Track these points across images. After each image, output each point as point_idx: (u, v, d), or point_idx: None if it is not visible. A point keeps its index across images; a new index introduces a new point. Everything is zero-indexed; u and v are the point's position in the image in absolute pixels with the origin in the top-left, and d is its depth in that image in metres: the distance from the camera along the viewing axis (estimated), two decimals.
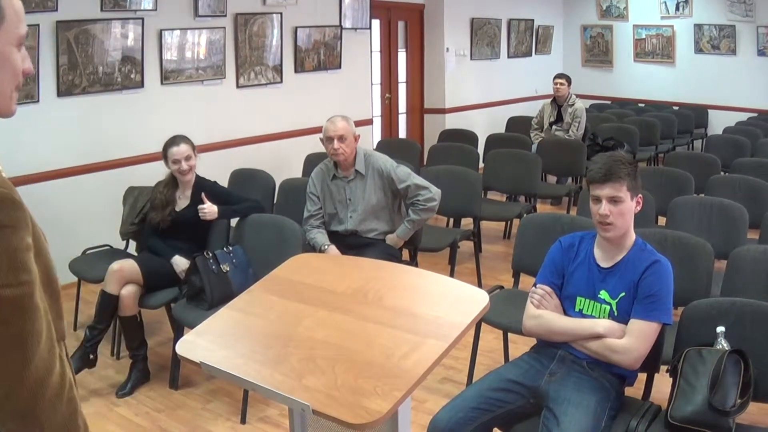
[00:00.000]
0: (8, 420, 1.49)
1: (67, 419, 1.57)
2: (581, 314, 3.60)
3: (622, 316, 3.46)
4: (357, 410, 1.87)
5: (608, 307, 3.52)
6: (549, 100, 10.36)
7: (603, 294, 3.55)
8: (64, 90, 6.72)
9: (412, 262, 6.09)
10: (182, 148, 5.39)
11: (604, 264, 3.62)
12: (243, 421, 4.71)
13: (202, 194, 5.41)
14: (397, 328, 2.13)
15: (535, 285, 3.75)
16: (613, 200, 3.51)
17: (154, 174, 5.91)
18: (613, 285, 3.54)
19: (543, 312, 3.64)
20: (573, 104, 10.02)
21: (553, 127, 10.11)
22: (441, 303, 2.27)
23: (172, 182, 5.54)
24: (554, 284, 3.70)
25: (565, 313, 3.67)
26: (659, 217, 6.17)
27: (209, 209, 5.38)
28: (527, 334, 3.73)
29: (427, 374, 1.97)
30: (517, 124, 11.40)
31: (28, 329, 1.48)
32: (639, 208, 3.63)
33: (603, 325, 3.47)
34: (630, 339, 3.39)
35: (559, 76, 10.12)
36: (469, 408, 3.38)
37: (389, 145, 9.44)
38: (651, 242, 4.71)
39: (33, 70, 1.69)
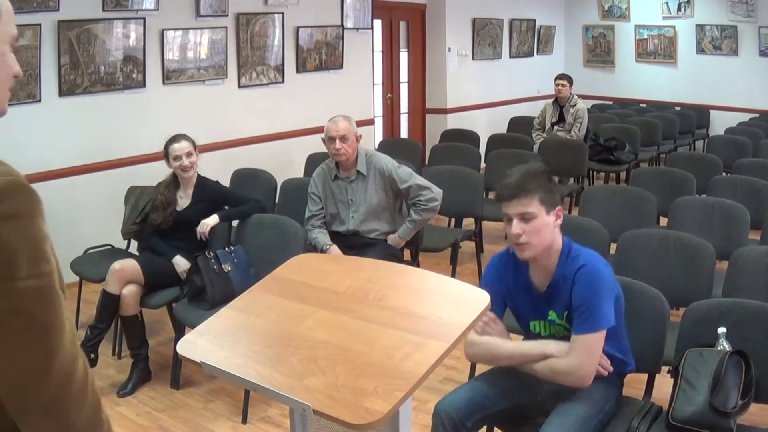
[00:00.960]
0: (34, 414, 1.46)
1: (91, 412, 1.54)
2: (539, 336, 3.50)
3: None
4: (358, 410, 1.87)
5: (561, 328, 3.40)
6: (551, 101, 10.36)
7: (552, 315, 3.42)
8: (66, 90, 6.73)
9: (414, 262, 6.09)
10: (183, 145, 5.40)
11: (540, 286, 3.44)
12: (244, 421, 4.72)
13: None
14: (398, 328, 2.13)
15: None
16: (524, 217, 3.26)
17: (155, 174, 5.92)
18: (556, 305, 3.39)
19: (483, 339, 3.41)
20: (575, 104, 10.02)
21: (555, 127, 10.11)
22: (442, 303, 2.27)
23: (173, 182, 5.55)
24: (496, 311, 3.48)
25: (525, 336, 3.61)
26: (661, 218, 6.17)
27: (207, 223, 5.40)
28: (471, 361, 3.62)
29: (428, 375, 1.97)
30: (519, 124, 11.40)
31: (51, 321, 1.45)
32: (560, 221, 3.37)
33: (549, 345, 3.31)
34: (572, 358, 3.22)
35: (561, 77, 10.12)
36: (473, 400, 3.38)
37: (391, 145, 9.45)
38: (652, 243, 4.75)
39: (21, 74, 1.66)
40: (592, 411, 3.25)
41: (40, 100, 6.55)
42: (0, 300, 1.39)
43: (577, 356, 3.20)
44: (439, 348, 2.02)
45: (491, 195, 8.30)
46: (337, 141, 5.46)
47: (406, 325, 2.13)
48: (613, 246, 5.03)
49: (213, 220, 5.41)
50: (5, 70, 1.62)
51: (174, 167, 5.46)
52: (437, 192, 5.61)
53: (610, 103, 14.08)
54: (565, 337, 3.35)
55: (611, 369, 3.35)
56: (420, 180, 5.63)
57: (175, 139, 5.44)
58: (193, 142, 5.48)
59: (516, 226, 3.26)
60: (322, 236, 5.56)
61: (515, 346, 3.40)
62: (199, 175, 5.56)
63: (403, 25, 11.74)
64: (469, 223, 7.57)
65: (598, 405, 3.30)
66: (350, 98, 9.76)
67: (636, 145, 10.29)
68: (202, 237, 5.37)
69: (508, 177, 3.34)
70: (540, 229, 3.27)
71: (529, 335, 3.57)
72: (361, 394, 1.91)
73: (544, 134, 10.13)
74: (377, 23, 10.89)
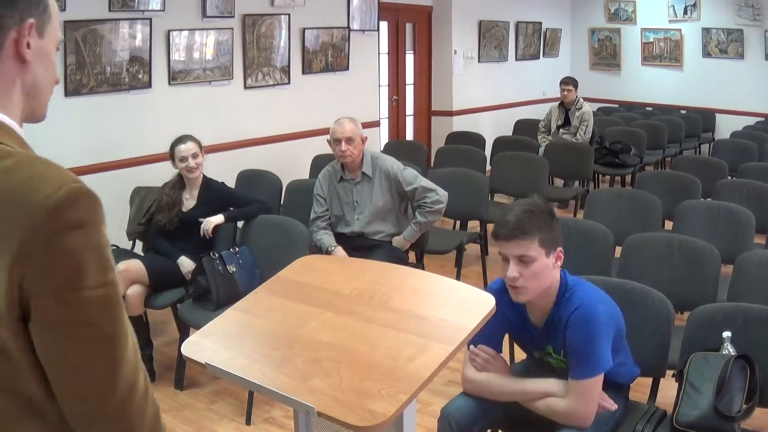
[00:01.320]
0: (98, 425, 1.45)
1: (153, 422, 1.53)
2: (541, 362, 3.44)
3: None
4: (362, 413, 1.87)
5: (560, 361, 3.32)
6: (556, 104, 10.36)
7: (549, 349, 3.34)
8: (72, 90, 6.73)
9: (419, 264, 6.10)
10: (189, 146, 5.41)
11: (537, 323, 3.34)
12: (248, 422, 4.72)
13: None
14: (403, 330, 2.13)
15: (472, 344, 3.35)
16: (522, 260, 3.11)
17: (161, 174, 5.93)
18: (552, 341, 3.31)
19: (481, 376, 3.32)
20: (581, 108, 10.02)
21: (561, 130, 10.10)
22: (447, 306, 2.27)
23: (178, 183, 5.56)
24: (496, 346, 3.42)
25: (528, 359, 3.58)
26: (666, 221, 6.16)
27: (211, 221, 5.39)
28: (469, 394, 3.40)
29: (432, 377, 1.97)
30: (525, 126, 11.41)
31: (117, 331, 1.44)
32: (560, 263, 3.23)
33: (550, 384, 3.21)
34: (571, 401, 3.12)
35: (566, 81, 10.10)
36: (480, 404, 3.35)
37: (396, 147, 9.46)
38: (657, 246, 4.74)
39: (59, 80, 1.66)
40: (603, 418, 3.24)
41: None
42: (68, 310, 1.37)
43: (575, 400, 3.13)
44: (443, 351, 2.02)
45: (496, 197, 8.31)
46: (343, 143, 5.46)
47: (411, 328, 2.13)
48: (618, 249, 5.02)
49: (218, 218, 5.41)
50: (53, 75, 1.62)
51: (180, 168, 5.47)
52: (443, 194, 5.61)
53: (616, 106, 14.07)
54: (565, 371, 3.28)
55: (615, 406, 3.27)
56: (425, 182, 5.63)
57: (181, 140, 5.45)
58: (198, 143, 5.49)
59: (513, 269, 3.12)
60: (327, 237, 5.56)
61: (515, 383, 3.29)
62: (204, 176, 5.57)
63: (409, 27, 11.73)
64: (474, 225, 7.58)
65: (608, 414, 3.29)
66: (356, 100, 9.75)
67: (641, 148, 10.27)
68: (205, 235, 5.37)
69: (507, 213, 3.19)
70: (538, 273, 3.13)
71: (534, 360, 3.54)
72: (366, 396, 1.91)
73: (549, 137, 10.13)
74: (383, 25, 10.88)
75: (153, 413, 1.54)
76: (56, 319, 1.38)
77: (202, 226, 5.37)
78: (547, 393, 3.19)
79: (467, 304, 2.24)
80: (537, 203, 3.24)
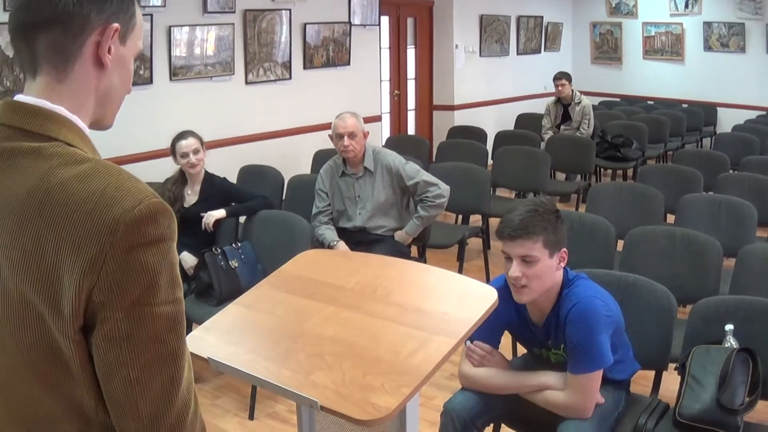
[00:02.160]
0: None
1: None
2: (542, 358, 3.44)
3: None
4: (365, 406, 1.87)
5: (560, 356, 3.32)
6: (552, 100, 10.34)
7: (550, 344, 3.34)
8: None
9: (421, 258, 6.11)
10: (190, 141, 5.41)
11: (536, 320, 3.34)
12: (251, 416, 4.73)
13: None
14: (406, 324, 2.13)
15: (470, 340, 3.33)
16: (526, 260, 3.09)
17: (162, 170, 5.92)
18: (552, 338, 3.31)
19: (477, 371, 3.32)
20: (580, 102, 10.00)
21: (562, 127, 10.09)
22: (449, 299, 2.27)
23: (180, 179, 5.56)
24: (494, 341, 3.41)
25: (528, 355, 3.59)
26: (668, 215, 6.16)
27: (212, 215, 5.39)
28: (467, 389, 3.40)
29: (435, 371, 1.97)
30: (527, 121, 11.41)
31: (180, 348, 1.44)
32: (563, 264, 3.23)
33: (548, 376, 3.22)
34: (569, 395, 3.14)
35: (559, 76, 10.04)
36: (483, 399, 3.35)
37: (398, 141, 9.45)
38: (660, 240, 4.75)
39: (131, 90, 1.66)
40: (606, 413, 3.24)
41: None
42: (136, 325, 1.37)
43: (574, 394, 3.13)
44: (446, 344, 2.03)
45: (498, 191, 8.31)
46: (345, 138, 5.46)
47: (414, 322, 2.14)
48: (620, 243, 5.03)
49: (219, 212, 5.41)
50: (127, 85, 1.60)
51: (181, 164, 5.47)
52: (444, 188, 5.61)
53: (618, 100, 14.08)
54: (565, 365, 3.29)
55: (602, 400, 3.23)
56: (427, 176, 5.63)
57: (182, 135, 5.45)
58: (200, 139, 5.49)
59: (516, 269, 3.11)
60: (329, 232, 5.56)
61: (511, 377, 3.29)
62: (206, 172, 5.57)
63: (410, 21, 11.72)
64: (476, 219, 7.57)
65: (611, 408, 3.29)
66: (357, 95, 9.75)
67: (643, 142, 10.27)
68: (207, 228, 5.37)
69: (512, 212, 3.16)
70: (541, 273, 3.12)
71: (534, 356, 3.54)
72: (369, 390, 1.92)
73: (551, 132, 10.10)
74: (384, 20, 10.87)
75: (201, 429, 1.54)
76: (123, 334, 1.37)
77: (204, 219, 5.37)
78: (544, 386, 3.20)
79: (469, 298, 2.24)
80: (542, 203, 3.23)
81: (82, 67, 1.48)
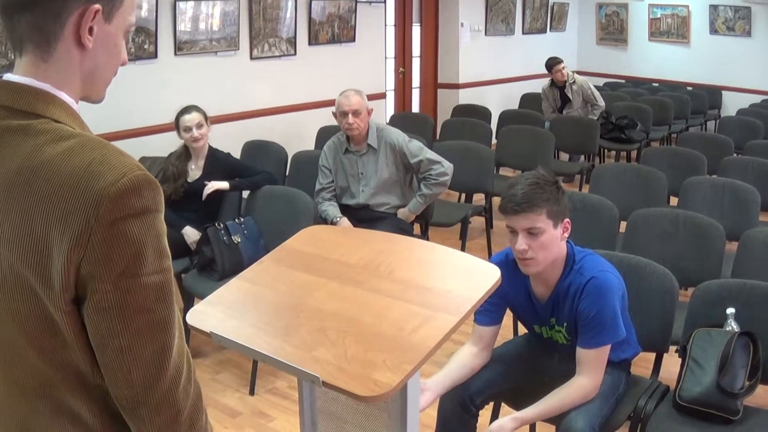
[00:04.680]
0: (145, 408, 1.48)
1: (195, 402, 1.56)
2: (542, 337, 3.47)
3: (575, 340, 3.25)
4: (367, 383, 1.87)
5: (562, 335, 3.35)
6: (547, 84, 10.32)
7: (553, 321, 3.35)
8: None
9: (423, 236, 6.11)
10: (194, 115, 5.41)
11: (542, 297, 3.34)
12: (252, 392, 4.75)
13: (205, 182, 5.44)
14: (408, 301, 2.13)
15: (474, 318, 3.40)
16: (531, 232, 3.11)
17: (166, 145, 5.93)
18: (557, 314, 3.31)
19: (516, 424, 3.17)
20: (574, 81, 10.00)
21: (564, 111, 10.08)
22: (452, 277, 2.27)
23: (184, 153, 5.56)
24: (496, 319, 3.43)
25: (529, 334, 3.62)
26: (671, 197, 6.16)
27: (213, 185, 5.40)
28: None
29: (437, 348, 1.97)
30: (531, 100, 11.39)
31: (169, 317, 1.48)
32: (567, 234, 3.24)
33: (563, 398, 3.16)
34: (582, 377, 3.15)
35: (558, 61, 10.00)
36: (482, 377, 3.38)
37: (402, 119, 9.45)
38: (663, 222, 4.74)
39: (127, 61, 1.66)
40: (606, 394, 3.24)
41: None
42: (125, 295, 1.41)
43: (587, 372, 3.15)
44: (449, 322, 2.02)
45: (502, 170, 8.31)
46: (350, 116, 5.45)
47: (417, 298, 2.13)
48: (623, 224, 5.03)
49: (222, 184, 5.42)
50: (117, 60, 1.61)
51: (184, 138, 5.47)
52: (448, 166, 5.60)
53: (623, 81, 14.04)
54: (565, 346, 3.34)
55: None
56: (431, 154, 5.63)
57: (186, 110, 5.45)
58: (204, 114, 5.49)
59: (522, 242, 3.12)
60: (332, 209, 5.56)
61: (541, 410, 3.19)
62: (210, 147, 5.57)
63: None
64: (479, 198, 7.58)
65: (612, 389, 3.29)
66: (362, 72, 9.72)
67: (647, 124, 10.26)
68: (206, 198, 5.38)
69: (514, 187, 3.16)
70: (547, 244, 3.13)
71: (534, 334, 3.56)
72: (371, 366, 1.92)
73: (554, 116, 10.08)
74: None
75: (196, 394, 1.57)
76: (112, 304, 1.41)
77: (205, 190, 5.38)
78: (578, 402, 3.15)
79: (473, 276, 2.23)
80: (542, 175, 3.22)
81: (64, 46, 1.49)
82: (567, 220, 3.22)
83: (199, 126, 5.42)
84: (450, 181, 5.67)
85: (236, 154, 6.44)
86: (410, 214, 5.64)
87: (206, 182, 5.41)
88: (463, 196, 7.89)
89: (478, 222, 7.67)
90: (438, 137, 9.16)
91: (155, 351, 1.46)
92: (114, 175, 1.38)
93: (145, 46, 7.22)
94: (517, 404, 3.40)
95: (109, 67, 1.60)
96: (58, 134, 1.44)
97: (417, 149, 5.59)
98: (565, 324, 3.29)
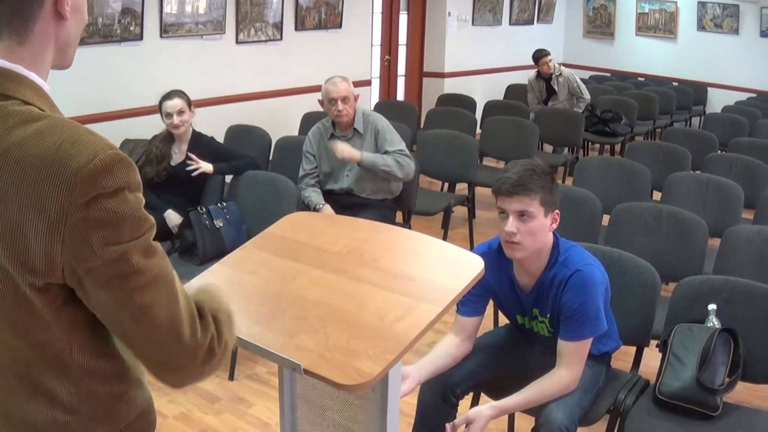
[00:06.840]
0: (179, 362, 1.54)
1: (228, 324, 1.64)
2: (523, 328, 3.49)
3: (557, 332, 3.26)
4: (348, 371, 1.86)
5: (544, 326, 3.36)
6: (533, 76, 10.32)
7: (536, 312, 3.36)
8: None
9: (406, 225, 6.09)
10: (176, 102, 5.38)
11: (525, 287, 3.35)
12: (231, 377, 4.74)
13: (192, 156, 5.40)
14: (391, 290, 2.12)
15: (456, 308, 3.41)
16: (522, 216, 3.12)
17: (150, 127, 5.89)
18: (540, 305, 3.32)
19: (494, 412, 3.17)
20: (560, 74, 10.01)
21: (549, 103, 10.09)
22: (436, 267, 2.26)
23: (168, 136, 5.54)
24: (479, 309, 3.44)
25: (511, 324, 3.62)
26: (655, 192, 6.17)
27: (202, 165, 5.38)
28: None
29: (419, 338, 1.96)
30: (516, 91, 11.37)
31: (161, 270, 1.50)
32: (555, 225, 3.24)
33: (543, 389, 3.16)
34: (562, 369, 3.16)
35: (545, 53, 9.99)
36: (462, 368, 3.38)
37: (387, 107, 9.42)
38: (646, 216, 4.75)
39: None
40: (586, 387, 3.24)
41: None
42: (114, 265, 1.42)
43: (567, 364, 3.16)
44: (431, 312, 2.01)
45: (485, 161, 8.31)
46: (339, 102, 5.43)
47: (400, 287, 2.12)
48: (606, 218, 5.03)
49: (207, 166, 5.39)
50: (84, 22, 1.63)
51: (165, 124, 5.45)
52: (413, 165, 5.55)
53: (608, 75, 14.06)
54: (547, 338, 3.35)
55: None
56: (407, 151, 5.58)
57: (169, 96, 5.42)
58: (187, 100, 5.45)
59: (511, 224, 3.12)
60: (315, 195, 5.54)
61: (520, 400, 3.18)
62: (194, 131, 5.55)
63: None
64: (462, 188, 7.57)
65: (591, 382, 3.29)
66: (348, 58, 9.70)
67: (632, 118, 10.26)
68: (193, 171, 5.39)
69: (509, 170, 3.18)
70: (535, 231, 3.15)
71: (516, 325, 3.56)
72: (352, 354, 1.91)
73: (539, 107, 10.08)
74: None
75: (226, 316, 1.66)
76: (106, 278, 1.42)
77: (192, 166, 5.35)
78: (559, 393, 3.15)
79: (456, 266, 2.23)
80: (539, 164, 3.25)
81: (41, 25, 1.50)
82: (557, 211, 3.23)
83: (180, 113, 5.38)
84: (406, 177, 5.56)
85: (220, 138, 6.41)
86: (357, 154, 5.46)
87: (189, 162, 5.37)
88: (446, 185, 7.89)
89: (460, 212, 7.67)
90: (422, 126, 9.16)
91: (163, 306, 1.48)
92: (86, 155, 1.38)
93: (131, 28, 7.18)
94: (498, 395, 3.39)
95: (79, 31, 1.62)
96: (27, 116, 1.44)
97: (397, 141, 5.56)
98: (548, 315, 3.29)
